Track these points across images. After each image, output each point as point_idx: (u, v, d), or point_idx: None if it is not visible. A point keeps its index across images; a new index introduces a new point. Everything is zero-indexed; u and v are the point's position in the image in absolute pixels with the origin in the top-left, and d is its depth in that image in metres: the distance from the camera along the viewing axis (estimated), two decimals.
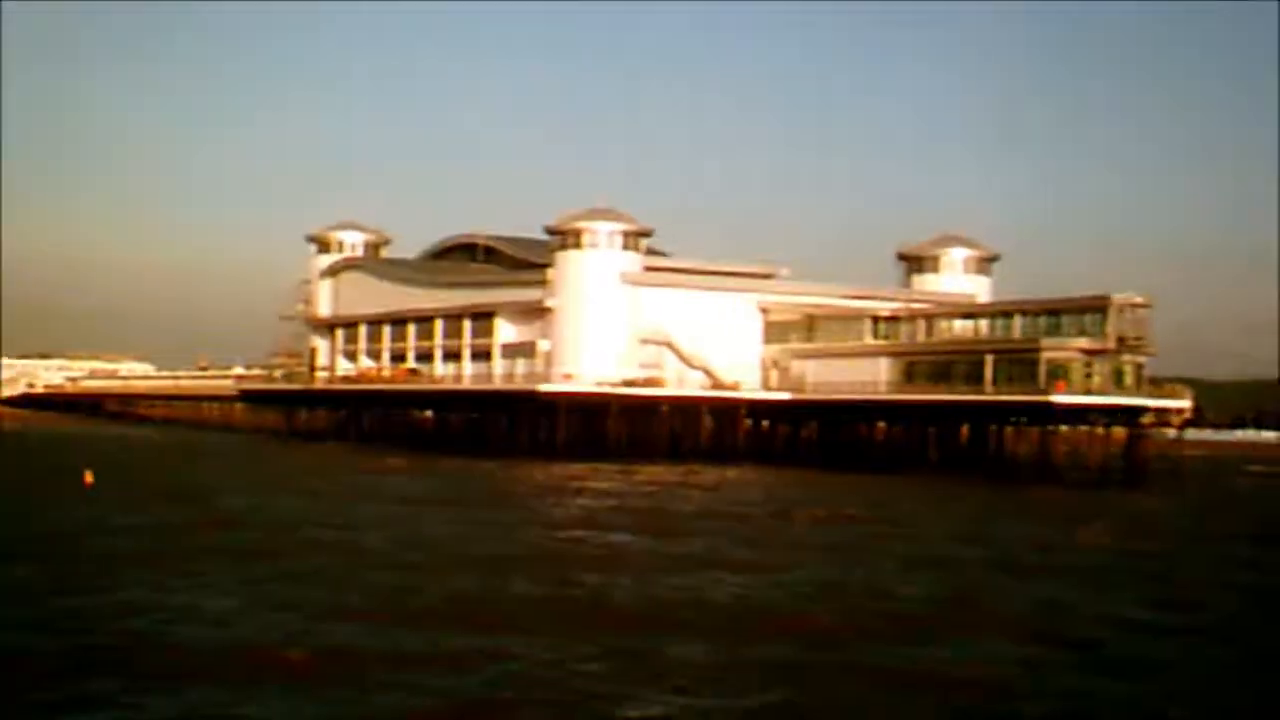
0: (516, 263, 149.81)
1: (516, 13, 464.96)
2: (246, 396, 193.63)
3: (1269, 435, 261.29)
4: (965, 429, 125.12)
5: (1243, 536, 66.57)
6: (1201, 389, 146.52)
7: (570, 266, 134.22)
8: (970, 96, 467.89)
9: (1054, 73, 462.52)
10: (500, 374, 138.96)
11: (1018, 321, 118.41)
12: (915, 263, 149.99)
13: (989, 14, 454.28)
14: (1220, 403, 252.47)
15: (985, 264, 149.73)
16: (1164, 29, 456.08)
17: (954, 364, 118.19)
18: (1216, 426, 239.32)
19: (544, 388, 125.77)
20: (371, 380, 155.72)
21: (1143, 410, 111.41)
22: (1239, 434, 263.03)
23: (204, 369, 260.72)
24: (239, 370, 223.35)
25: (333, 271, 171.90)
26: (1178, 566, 51.81)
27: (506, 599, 37.59)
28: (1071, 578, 46.34)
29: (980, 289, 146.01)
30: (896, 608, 38.24)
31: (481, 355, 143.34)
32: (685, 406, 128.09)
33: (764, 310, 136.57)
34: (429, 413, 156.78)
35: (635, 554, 49.20)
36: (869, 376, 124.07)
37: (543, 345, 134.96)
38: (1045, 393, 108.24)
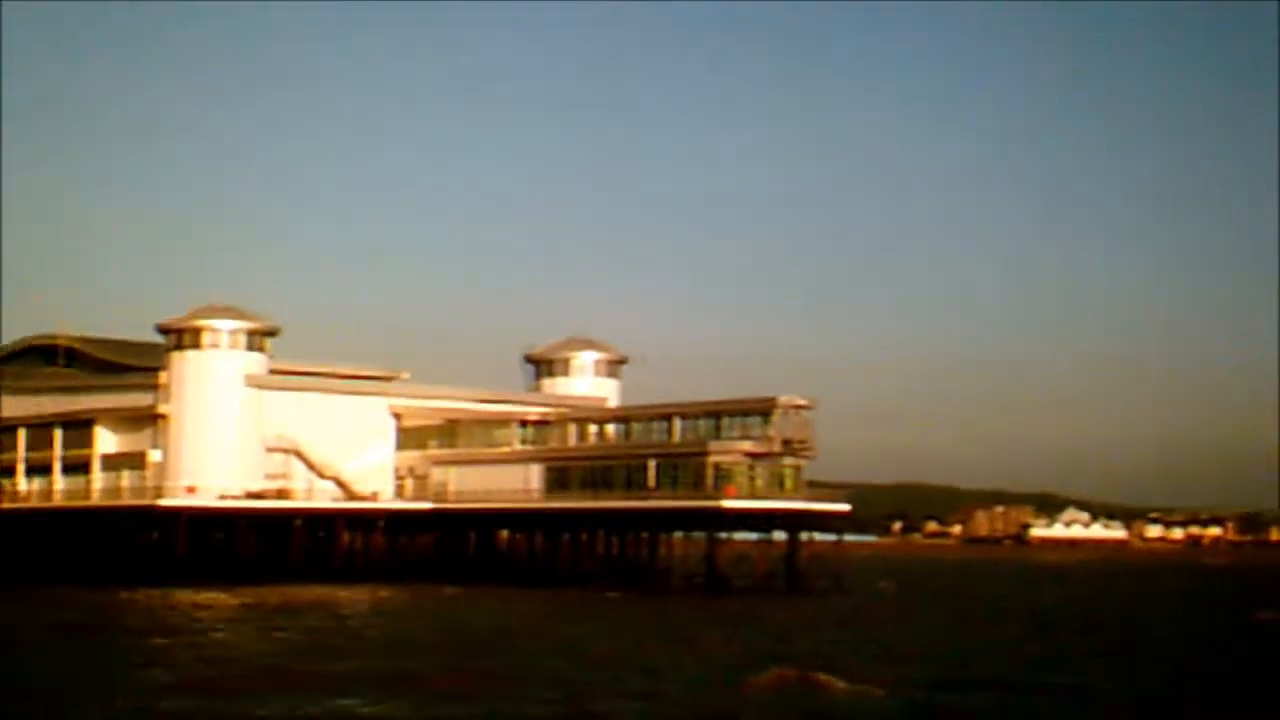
0: (107, 365, 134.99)
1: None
2: None
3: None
4: (619, 537, 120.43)
5: None
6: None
7: (188, 368, 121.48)
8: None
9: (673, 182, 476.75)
10: (101, 488, 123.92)
11: (678, 424, 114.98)
12: (545, 365, 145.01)
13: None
14: None
15: (615, 367, 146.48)
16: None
17: (613, 469, 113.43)
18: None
19: (163, 502, 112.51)
20: None
21: (806, 515, 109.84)
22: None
23: None
24: None
25: None
26: None
27: None
28: None
29: (609, 392, 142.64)
30: None
31: (77, 468, 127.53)
32: (320, 519, 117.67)
33: (397, 414, 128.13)
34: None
35: None
36: (519, 484, 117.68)
37: (154, 455, 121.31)
38: (715, 498, 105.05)
